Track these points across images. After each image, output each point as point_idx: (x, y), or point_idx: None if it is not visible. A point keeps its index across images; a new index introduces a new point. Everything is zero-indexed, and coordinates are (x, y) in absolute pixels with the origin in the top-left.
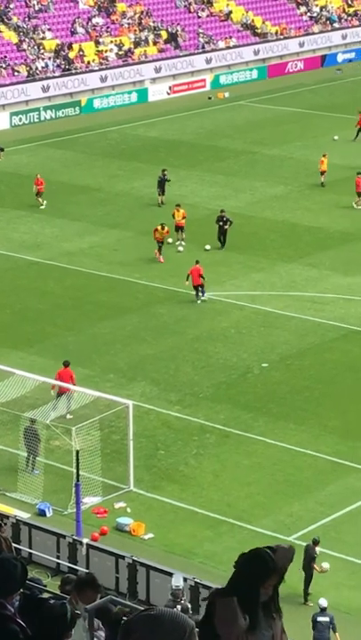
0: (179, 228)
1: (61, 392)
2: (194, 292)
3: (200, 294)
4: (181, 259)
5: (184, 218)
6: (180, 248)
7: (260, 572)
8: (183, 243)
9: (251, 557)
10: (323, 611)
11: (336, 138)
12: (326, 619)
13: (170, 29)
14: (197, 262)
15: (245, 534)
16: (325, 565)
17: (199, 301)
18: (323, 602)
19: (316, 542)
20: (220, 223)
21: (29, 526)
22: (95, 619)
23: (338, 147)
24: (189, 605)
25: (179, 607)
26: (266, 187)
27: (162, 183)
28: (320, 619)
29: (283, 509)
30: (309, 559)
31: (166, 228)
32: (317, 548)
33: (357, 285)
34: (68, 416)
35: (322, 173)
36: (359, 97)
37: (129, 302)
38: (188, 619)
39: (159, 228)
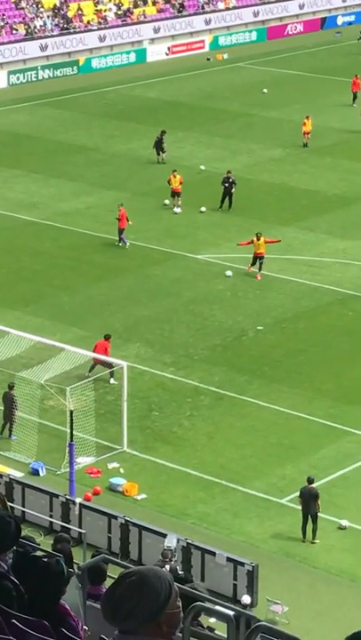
0: (175, 194)
1: (95, 362)
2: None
3: (122, 240)
4: (178, 220)
5: (181, 183)
6: (177, 209)
7: None
8: (180, 205)
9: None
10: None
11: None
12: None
13: None
14: (122, 205)
15: (238, 496)
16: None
17: (120, 244)
18: (245, 599)
19: (311, 481)
20: (226, 185)
21: (23, 485)
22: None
23: (336, 110)
24: (178, 567)
25: (167, 567)
26: (263, 149)
27: (158, 144)
28: None
29: (275, 472)
30: (314, 498)
31: (262, 239)
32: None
33: (354, 249)
34: (112, 381)
35: (305, 134)
36: (358, 60)
37: (125, 263)
38: (164, 570)
39: (254, 239)
